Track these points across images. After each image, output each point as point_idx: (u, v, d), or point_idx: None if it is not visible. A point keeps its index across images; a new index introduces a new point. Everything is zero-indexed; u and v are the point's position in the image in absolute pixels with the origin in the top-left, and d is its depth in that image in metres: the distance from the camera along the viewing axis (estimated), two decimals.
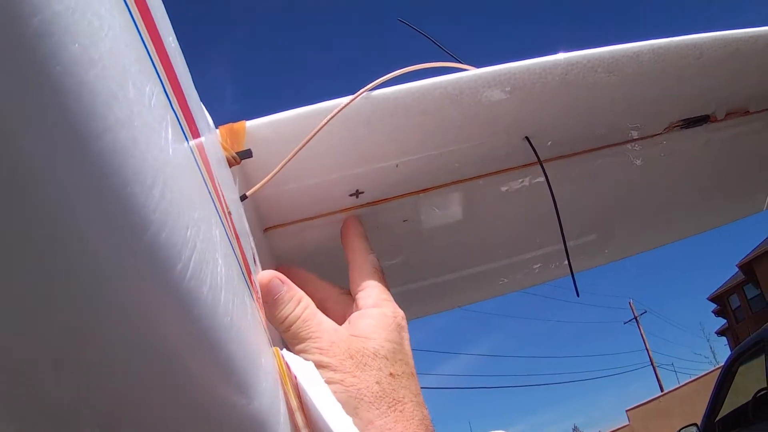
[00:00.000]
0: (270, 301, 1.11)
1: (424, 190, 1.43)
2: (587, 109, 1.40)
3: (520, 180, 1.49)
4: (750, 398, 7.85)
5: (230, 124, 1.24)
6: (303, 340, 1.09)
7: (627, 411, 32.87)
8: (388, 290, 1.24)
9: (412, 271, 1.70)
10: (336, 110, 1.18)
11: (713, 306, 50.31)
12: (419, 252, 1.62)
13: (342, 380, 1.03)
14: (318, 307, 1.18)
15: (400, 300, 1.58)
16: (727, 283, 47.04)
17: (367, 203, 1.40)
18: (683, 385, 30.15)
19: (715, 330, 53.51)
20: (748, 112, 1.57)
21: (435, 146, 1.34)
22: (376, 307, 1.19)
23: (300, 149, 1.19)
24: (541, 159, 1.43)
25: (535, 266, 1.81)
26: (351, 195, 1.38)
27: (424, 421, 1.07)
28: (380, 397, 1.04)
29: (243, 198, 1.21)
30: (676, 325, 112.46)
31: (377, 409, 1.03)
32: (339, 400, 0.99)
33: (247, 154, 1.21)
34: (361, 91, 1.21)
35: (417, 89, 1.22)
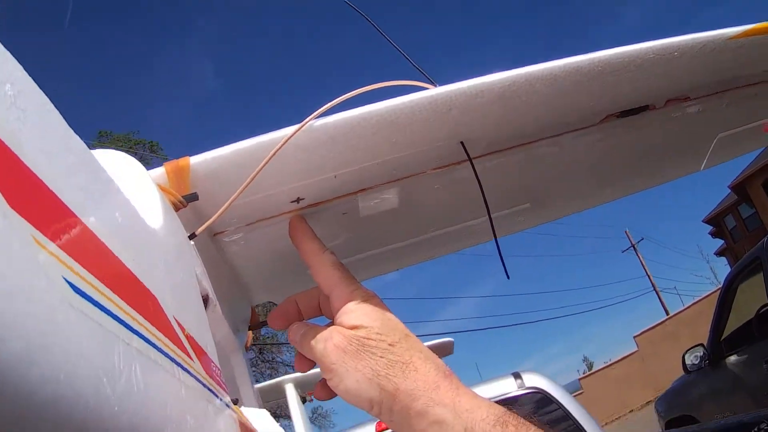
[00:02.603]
0: (295, 344, 1.31)
1: (361, 191, 1.55)
2: (523, 115, 1.51)
3: (453, 175, 1.62)
4: (753, 315, 7.73)
5: (175, 161, 1.32)
6: (321, 358, 1.22)
7: (635, 337, 33.19)
8: (350, 276, 1.32)
9: (356, 246, 1.86)
10: (279, 144, 1.28)
11: (709, 228, 50.30)
12: (360, 233, 1.77)
13: (354, 369, 1.15)
14: (313, 312, 1.37)
15: (350, 268, 1.82)
16: (720, 205, 47.17)
17: (308, 206, 1.53)
18: (688, 307, 30.50)
19: (714, 251, 53.58)
20: (689, 98, 1.69)
21: (371, 158, 1.44)
22: (351, 300, 1.25)
23: (246, 187, 1.29)
24: (476, 155, 1.56)
25: (467, 234, 1.99)
26: (292, 202, 1.49)
27: (440, 369, 1.15)
28: (391, 365, 1.14)
29: (192, 237, 1.31)
30: (674, 250, 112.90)
31: (395, 376, 1.13)
32: (362, 389, 1.15)
33: (193, 197, 1.30)
34: (304, 122, 1.30)
35: (354, 118, 1.32)
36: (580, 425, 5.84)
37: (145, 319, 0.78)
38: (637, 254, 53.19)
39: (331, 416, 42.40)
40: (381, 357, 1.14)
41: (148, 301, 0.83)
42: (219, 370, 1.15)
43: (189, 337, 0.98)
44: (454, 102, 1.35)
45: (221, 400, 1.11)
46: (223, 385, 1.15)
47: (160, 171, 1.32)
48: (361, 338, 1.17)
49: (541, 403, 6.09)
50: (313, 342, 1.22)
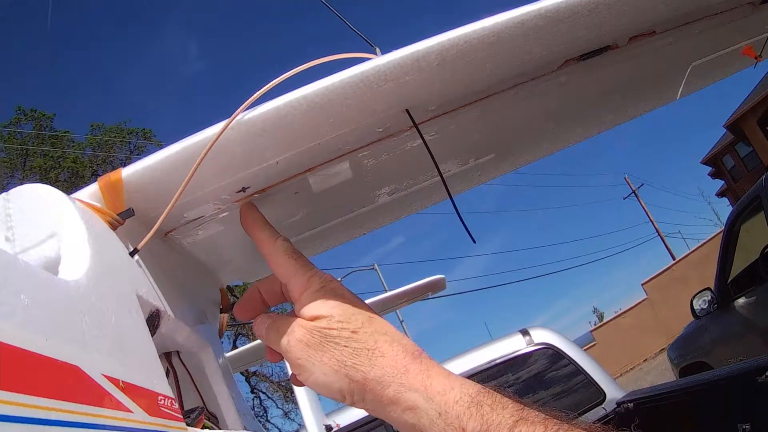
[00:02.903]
0: (261, 339, 1.27)
1: (308, 170, 1.52)
2: (471, 74, 1.45)
3: (405, 141, 1.58)
4: (758, 256, 7.64)
5: (107, 175, 1.29)
6: (286, 353, 1.19)
7: (643, 284, 32.90)
8: (306, 262, 1.27)
9: (315, 220, 1.84)
10: (209, 145, 1.25)
11: (708, 169, 50.23)
12: (317, 207, 1.74)
13: (320, 362, 1.12)
14: (278, 299, 1.33)
15: (309, 241, 1.93)
16: (717, 145, 46.80)
17: (255, 193, 1.50)
18: (693, 251, 30.07)
19: (715, 192, 53.43)
20: (655, 32, 1.62)
21: (310, 140, 1.41)
22: (307, 289, 1.21)
23: (180, 193, 1.27)
24: (425, 119, 1.53)
25: (432, 192, 1.95)
26: (239, 192, 1.46)
27: (407, 350, 1.12)
28: (356, 354, 1.10)
29: (134, 253, 1.28)
30: (675, 193, 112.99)
31: (362, 365, 1.09)
32: (331, 382, 1.12)
33: (128, 213, 1.28)
34: (231, 117, 1.27)
35: (282, 107, 1.28)
36: (592, 379, 5.82)
37: (63, 399, 0.76)
38: (639, 200, 53.18)
39: None
40: (345, 346, 1.12)
41: (63, 377, 0.80)
42: (169, 398, 1.11)
43: (126, 387, 0.95)
44: (390, 75, 1.30)
45: None
46: (174, 414, 1.11)
47: (93, 188, 1.30)
48: (323, 329, 1.14)
49: (551, 359, 6.07)
50: (276, 337, 1.20)
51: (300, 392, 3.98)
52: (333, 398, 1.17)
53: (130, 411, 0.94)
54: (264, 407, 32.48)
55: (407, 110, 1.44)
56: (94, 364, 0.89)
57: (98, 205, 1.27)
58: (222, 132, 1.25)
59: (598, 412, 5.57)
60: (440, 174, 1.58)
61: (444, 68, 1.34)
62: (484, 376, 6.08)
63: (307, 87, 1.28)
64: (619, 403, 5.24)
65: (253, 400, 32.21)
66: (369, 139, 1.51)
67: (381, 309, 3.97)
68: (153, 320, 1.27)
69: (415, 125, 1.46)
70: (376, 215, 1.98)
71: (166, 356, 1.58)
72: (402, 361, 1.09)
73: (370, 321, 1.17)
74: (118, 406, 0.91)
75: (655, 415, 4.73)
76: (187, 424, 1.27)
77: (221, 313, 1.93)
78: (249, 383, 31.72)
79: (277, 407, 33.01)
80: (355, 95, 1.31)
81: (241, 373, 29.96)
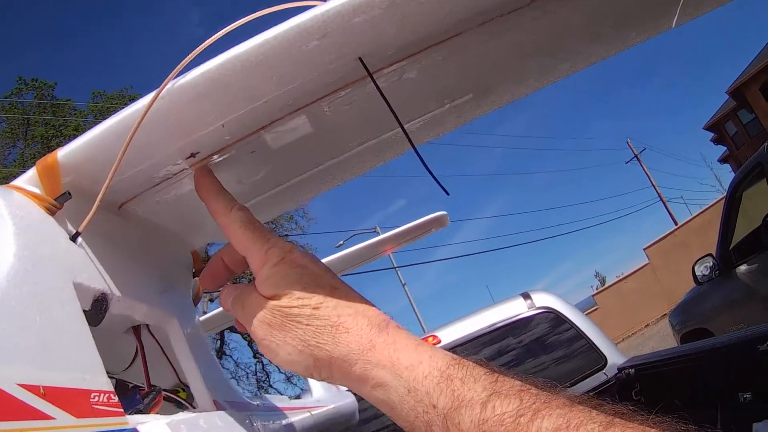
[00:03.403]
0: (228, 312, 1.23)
1: (260, 129, 1.44)
2: (430, 15, 1.32)
3: (363, 90, 1.47)
4: (760, 223, 7.59)
5: (44, 158, 1.25)
6: (252, 333, 1.15)
7: (645, 249, 32.82)
8: (263, 233, 1.21)
9: (278, 177, 1.77)
10: (139, 118, 1.18)
11: (711, 135, 50.22)
12: (278, 164, 1.67)
13: (283, 342, 1.08)
14: (242, 266, 1.29)
15: (276, 200, 1.89)
16: (720, 111, 46.63)
17: (206, 157, 1.43)
18: (695, 216, 29.82)
19: (717, 158, 53.37)
20: None
21: (256, 100, 1.32)
22: (266, 263, 1.16)
23: (116, 169, 1.21)
24: (383, 66, 1.43)
25: (398, 141, 1.84)
26: (188, 158, 1.40)
27: (373, 323, 1.07)
28: (319, 332, 1.07)
29: (75, 237, 1.23)
30: (677, 158, 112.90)
31: (326, 343, 1.05)
32: (296, 361, 1.08)
33: (65, 197, 1.23)
34: (161, 87, 1.19)
35: (214, 70, 1.19)
36: (593, 344, 5.79)
37: None
38: (641, 164, 53.05)
39: None
40: (307, 325, 1.08)
41: None
42: (106, 393, 1.07)
43: (48, 392, 0.92)
44: (330, 24, 1.19)
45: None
46: (110, 409, 1.07)
47: (31, 174, 1.25)
48: (283, 308, 1.10)
49: (552, 323, 6.05)
50: (241, 314, 1.18)
51: None
52: (302, 375, 1.15)
53: (51, 418, 0.91)
54: (266, 372, 32.69)
55: (360, 58, 1.35)
56: (7, 374, 0.87)
57: (37, 191, 1.23)
58: (152, 103, 1.18)
59: (599, 378, 5.55)
60: (400, 123, 1.48)
61: (395, 10, 1.23)
62: (485, 339, 6.11)
63: (240, 46, 1.19)
64: (620, 369, 5.22)
65: (255, 365, 32.42)
66: (322, 92, 1.42)
67: (386, 247, 4.02)
68: (99, 305, 1.24)
69: (369, 74, 1.37)
70: (349, 165, 1.91)
71: (135, 331, 1.55)
72: (367, 336, 1.05)
73: (333, 292, 1.12)
74: (36, 415, 0.88)
75: (655, 381, 4.71)
76: (139, 411, 1.25)
77: (194, 277, 1.89)
78: (251, 347, 31.86)
79: (280, 371, 33.22)
80: (294, 49, 1.22)
81: (243, 338, 30.11)
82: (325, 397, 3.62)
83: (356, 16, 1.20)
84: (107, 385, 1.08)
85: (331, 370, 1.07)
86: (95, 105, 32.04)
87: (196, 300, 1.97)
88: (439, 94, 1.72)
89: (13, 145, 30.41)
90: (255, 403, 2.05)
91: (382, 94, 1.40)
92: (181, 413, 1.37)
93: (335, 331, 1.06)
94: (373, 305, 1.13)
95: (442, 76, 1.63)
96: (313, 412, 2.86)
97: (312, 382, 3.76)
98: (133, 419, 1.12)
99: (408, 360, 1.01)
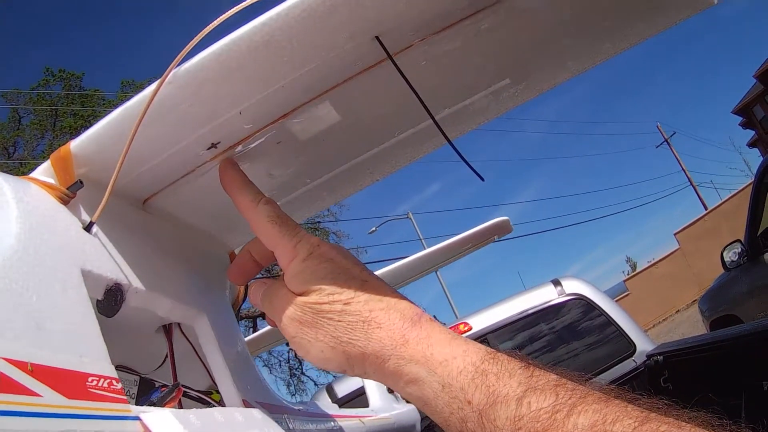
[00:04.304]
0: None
1: (282, 117, 1.39)
2: None
3: (388, 74, 1.37)
4: None
5: (58, 150, 1.25)
6: (283, 332, 1.14)
7: (675, 234, 32.54)
8: (291, 227, 1.19)
9: (310, 170, 1.72)
10: (144, 107, 1.15)
11: (739, 119, 49.64)
12: (308, 156, 1.61)
13: (315, 339, 1.07)
14: (270, 259, 1.28)
15: (313, 196, 1.84)
16: (748, 95, 46.05)
17: (228, 148, 1.39)
18: (725, 201, 29.32)
19: (746, 142, 52.77)
20: None
21: (270, 84, 1.27)
22: (294, 258, 1.13)
23: (124, 157, 1.19)
24: (405, 46, 1.36)
25: (429, 135, 1.77)
26: (209, 149, 1.36)
27: (405, 317, 1.05)
28: (351, 328, 1.04)
29: (90, 226, 1.23)
30: (707, 143, 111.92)
31: (358, 339, 1.03)
32: (329, 359, 1.07)
33: (77, 186, 1.22)
34: (165, 73, 1.15)
35: (220, 52, 1.15)
36: (623, 330, 5.75)
37: None
38: (671, 148, 52.35)
39: None
40: (339, 321, 1.05)
41: None
42: (107, 378, 1.05)
43: (36, 370, 0.91)
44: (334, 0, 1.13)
45: (110, 417, 1.02)
46: (111, 395, 1.05)
47: (46, 165, 1.25)
48: (313, 305, 1.08)
49: (582, 310, 6.04)
50: (271, 311, 1.15)
51: None
52: (334, 372, 1.13)
53: (36, 395, 0.90)
54: (299, 359, 32.67)
55: (377, 37, 1.28)
56: None
57: (51, 181, 1.23)
58: (157, 89, 1.15)
59: (628, 365, 5.47)
60: (427, 110, 1.40)
61: None
62: (517, 326, 6.10)
63: (244, 27, 1.14)
64: (648, 356, 5.19)
65: (288, 352, 32.35)
66: (341, 76, 1.37)
67: (444, 258, 3.82)
68: (113, 295, 1.22)
69: (388, 54, 1.30)
70: (387, 158, 1.84)
71: (166, 330, 1.54)
72: (400, 331, 1.02)
73: (364, 286, 1.09)
74: (20, 390, 0.87)
75: (684, 368, 4.67)
76: (152, 403, 1.23)
77: None
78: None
79: None
80: (301, 28, 1.15)
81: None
82: (381, 407, 3.49)
83: None
84: (110, 371, 1.07)
85: (364, 366, 1.05)
86: (124, 94, 31.92)
87: (236, 303, 1.94)
88: (472, 79, 1.64)
89: (41, 137, 30.80)
90: (296, 407, 1.99)
91: (403, 76, 1.34)
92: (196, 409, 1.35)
93: (367, 326, 1.04)
94: (405, 298, 1.10)
95: (472, 58, 1.55)
96: (364, 420, 2.74)
97: (369, 391, 3.68)
98: (137, 408, 1.09)
99: (442, 355, 0.98)
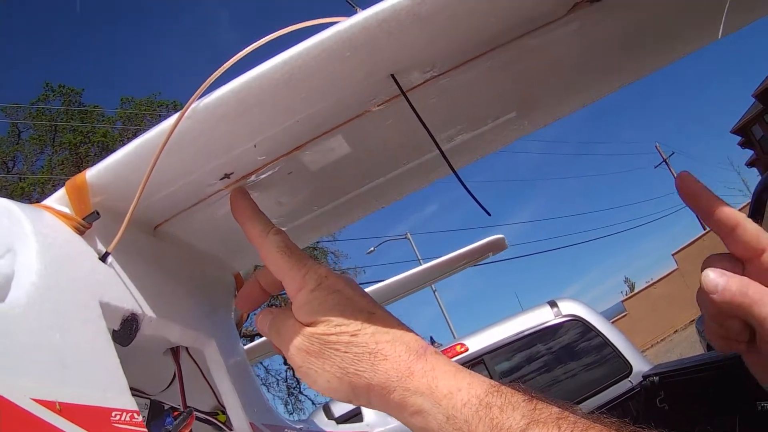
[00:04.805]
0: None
1: (295, 149, 1.41)
2: (461, 30, 1.27)
3: (400, 109, 1.39)
4: None
5: (73, 178, 1.24)
6: (290, 361, 1.14)
7: (673, 255, 32.62)
8: (300, 258, 1.20)
9: (317, 199, 1.73)
10: (164, 140, 1.16)
11: (738, 138, 49.75)
12: (317, 185, 1.63)
13: (323, 370, 1.07)
14: (277, 287, 1.27)
15: (317, 223, 1.84)
16: (746, 115, 46.14)
17: (241, 178, 1.40)
18: None
19: (745, 162, 52.88)
20: None
21: (287, 119, 1.29)
22: (301, 289, 1.15)
23: (142, 189, 1.20)
24: (419, 83, 1.38)
25: (434, 166, 1.79)
26: (222, 179, 1.37)
27: (410, 349, 1.05)
28: (358, 360, 1.05)
29: (105, 256, 1.23)
30: (705, 163, 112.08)
31: (364, 371, 1.04)
32: (335, 389, 1.07)
33: (93, 217, 1.22)
34: (185, 107, 1.16)
35: (239, 89, 1.16)
36: (619, 351, 5.79)
37: None
38: (670, 169, 52.58)
39: None
40: (345, 352, 1.06)
41: None
42: (129, 412, 1.06)
43: (64, 409, 0.90)
44: (357, 39, 1.15)
45: None
46: (132, 428, 1.06)
47: (61, 194, 1.25)
48: (320, 336, 1.08)
49: (578, 331, 6.07)
50: (278, 340, 1.16)
51: None
52: (342, 401, 1.13)
53: None
54: (296, 378, 32.55)
55: (393, 75, 1.30)
56: (21, 389, 0.85)
57: (66, 210, 1.23)
58: (177, 123, 1.16)
59: (624, 385, 5.51)
60: (436, 144, 1.42)
61: (423, 26, 1.18)
62: (513, 347, 6.14)
63: (265, 63, 1.15)
64: (644, 377, 5.23)
65: (286, 371, 32.23)
66: (356, 111, 1.38)
67: (439, 274, 3.87)
68: (129, 325, 1.22)
69: (402, 92, 1.32)
70: (393, 187, 1.85)
71: (173, 352, 1.54)
72: (405, 363, 1.03)
73: (371, 318, 1.10)
74: (51, 430, 0.87)
75: (679, 388, 4.71)
76: (168, 431, 1.25)
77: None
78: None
79: None
80: (322, 66, 1.17)
81: None
82: (375, 421, 3.46)
83: (382, 31, 1.15)
84: (131, 404, 1.07)
85: (369, 397, 1.05)
86: (123, 111, 31.79)
87: (240, 324, 1.94)
88: (480, 112, 1.66)
89: (40, 152, 30.36)
90: (298, 426, 2.00)
91: (415, 112, 1.35)
92: None
93: (373, 358, 1.04)
94: (411, 330, 1.11)
95: (481, 93, 1.58)
96: None
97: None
98: None
99: (447, 387, 0.99)
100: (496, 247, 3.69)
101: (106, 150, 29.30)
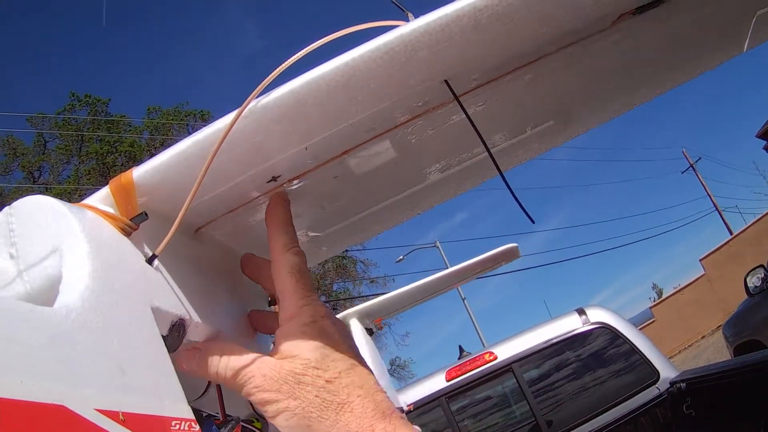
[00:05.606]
0: (192, 373, 1.17)
1: (343, 153, 1.39)
2: (515, 38, 1.27)
3: (449, 115, 1.42)
4: None
5: (118, 177, 1.21)
6: (242, 386, 1.12)
7: (701, 260, 32.46)
8: (306, 287, 1.22)
9: (358, 204, 1.72)
10: (220, 139, 1.13)
11: (763, 143, 49.32)
12: (360, 190, 1.62)
13: (286, 407, 1.06)
14: (272, 292, 1.29)
15: (355, 228, 1.82)
16: None
17: (286, 181, 1.39)
18: (749, 226, 29.35)
19: None
20: None
21: (341, 122, 1.27)
22: (294, 318, 1.17)
23: (195, 193, 1.17)
24: (469, 89, 1.38)
25: (479, 170, 1.80)
26: (269, 182, 1.35)
27: (378, 408, 1.07)
28: (325, 407, 1.05)
29: (152, 259, 1.19)
30: (732, 167, 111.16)
31: (327, 419, 1.04)
32: (292, 427, 1.05)
33: (141, 218, 1.18)
34: (243, 106, 1.14)
35: (299, 90, 1.14)
36: (646, 358, 5.82)
37: None
38: (697, 174, 52.43)
39: (410, 366, 42.35)
40: (316, 396, 1.06)
41: (46, 420, 0.74)
42: (187, 421, 1.04)
43: (128, 419, 0.88)
44: (417, 44, 1.14)
45: None
46: None
47: (104, 193, 1.21)
48: (296, 374, 1.09)
49: (606, 338, 6.11)
50: (231, 372, 1.13)
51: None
52: None
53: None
54: None
55: (446, 81, 1.29)
56: (85, 399, 0.82)
57: (111, 210, 1.19)
58: (233, 123, 1.13)
59: (651, 392, 5.58)
60: (487, 148, 1.41)
61: (481, 33, 1.17)
62: (542, 355, 6.23)
63: (326, 65, 1.14)
64: (672, 383, 5.29)
65: None
66: (407, 115, 1.37)
67: (454, 281, 3.96)
68: (177, 331, 1.18)
69: (456, 97, 1.31)
70: (429, 194, 1.84)
71: None
72: (369, 420, 1.04)
73: (351, 369, 1.11)
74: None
75: (706, 394, 4.77)
76: None
77: (270, 305, 1.78)
78: None
79: None
80: (381, 70, 1.16)
81: None
82: None
83: (442, 36, 1.14)
84: (188, 412, 1.05)
85: None
86: (150, 121, 31.95)
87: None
88: (522, 120, 1.67)
89: (67, 162, 30.51)
90: None
91: (469, 119, 1.35)
92: None
93: (340, 408, 1.05)
94: (383, 391, 1.12)
95: (524, 101, 1.58)
96: None
97: None
98: None
99: None
100: (510, 255, 3.71)
101: (133, 160, 29.39)
